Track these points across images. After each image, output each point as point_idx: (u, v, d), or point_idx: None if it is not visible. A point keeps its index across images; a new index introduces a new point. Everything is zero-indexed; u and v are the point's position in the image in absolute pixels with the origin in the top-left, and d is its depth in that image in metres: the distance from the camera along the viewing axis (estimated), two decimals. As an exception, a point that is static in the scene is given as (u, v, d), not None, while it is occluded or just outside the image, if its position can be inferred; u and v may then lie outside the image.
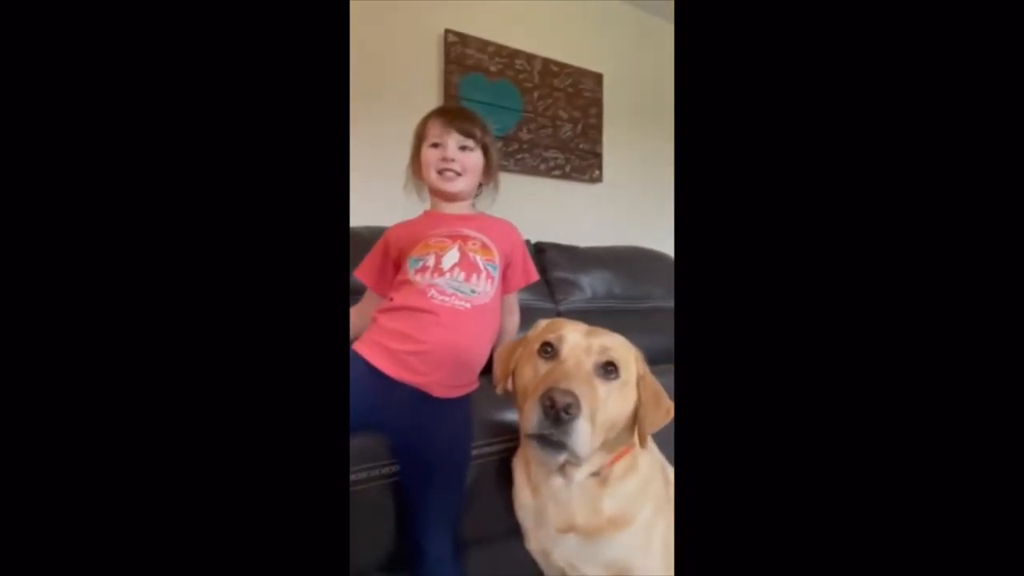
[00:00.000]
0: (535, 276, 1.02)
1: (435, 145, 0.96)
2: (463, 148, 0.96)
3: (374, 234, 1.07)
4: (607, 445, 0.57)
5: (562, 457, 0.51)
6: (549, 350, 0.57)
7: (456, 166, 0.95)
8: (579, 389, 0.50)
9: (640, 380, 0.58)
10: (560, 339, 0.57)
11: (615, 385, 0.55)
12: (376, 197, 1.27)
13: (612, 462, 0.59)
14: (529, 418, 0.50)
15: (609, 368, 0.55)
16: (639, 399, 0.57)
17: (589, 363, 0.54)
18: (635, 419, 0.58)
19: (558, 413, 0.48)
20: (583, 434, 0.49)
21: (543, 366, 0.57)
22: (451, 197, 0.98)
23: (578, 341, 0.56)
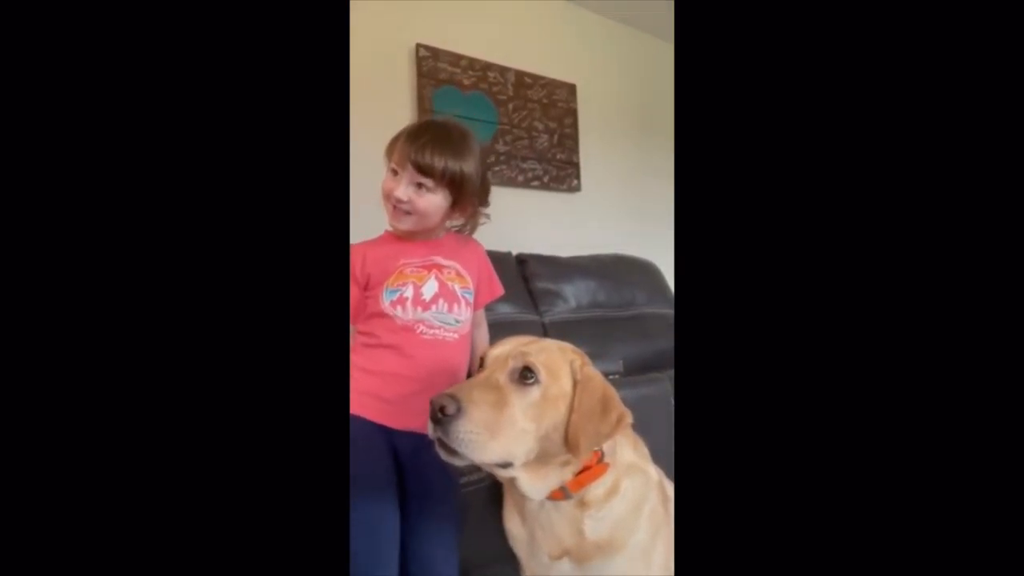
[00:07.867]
0: (500, 290, 0.96)
1: (394, 172, 0.82)
2: (419, 186, 0.78)
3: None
4: (548, 458, 0.54)
5: (458, 461, 0.51)
6: (480, 366, 0.57)
7: (405, 207, 0.79)
8: (470, 394, 0.50)
9: (578, 386, 0.54)
10: (487, 354, 0.57)
11: (534, 391, 0.52)
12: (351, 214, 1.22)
13: (579, 481, 0.56)
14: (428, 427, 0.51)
15: (526, 373, 0.53)
16: (573, 406, 0.53)
17: (504, 370, 0.54)
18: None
19: (435, 414, 0.49)
20: (463, 434, 0.49)
21: None
22: (403, 235, 0.86)
23: (502, 352, 0.56)
